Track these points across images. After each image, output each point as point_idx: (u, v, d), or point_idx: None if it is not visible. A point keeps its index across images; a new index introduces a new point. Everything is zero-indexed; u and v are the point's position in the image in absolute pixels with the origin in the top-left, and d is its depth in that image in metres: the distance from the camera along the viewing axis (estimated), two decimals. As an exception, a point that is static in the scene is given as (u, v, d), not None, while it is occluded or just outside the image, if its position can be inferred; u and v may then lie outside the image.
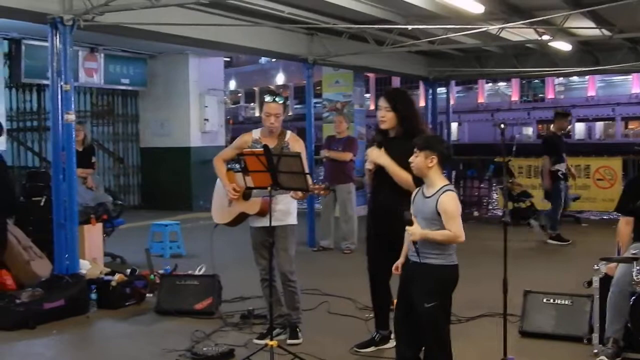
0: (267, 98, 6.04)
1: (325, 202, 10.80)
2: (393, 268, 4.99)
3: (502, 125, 5.06)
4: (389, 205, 5.50)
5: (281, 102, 6.00)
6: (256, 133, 6.18)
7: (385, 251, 5.51)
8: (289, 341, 6.08)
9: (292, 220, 6.11)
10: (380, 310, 5.90)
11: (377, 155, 5.53)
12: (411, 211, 4.80)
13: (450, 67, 15.92)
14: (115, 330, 6.76)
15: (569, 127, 12.14)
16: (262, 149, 5.34)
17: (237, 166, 6.09)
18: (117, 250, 9.86)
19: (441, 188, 4.70)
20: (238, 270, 8.50)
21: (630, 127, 55.79)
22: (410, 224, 4.63)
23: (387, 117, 5.53)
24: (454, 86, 17.95)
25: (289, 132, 6.13)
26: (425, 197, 4.76)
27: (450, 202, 4.64)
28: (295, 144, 6.01)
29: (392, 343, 5.73)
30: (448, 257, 4.68)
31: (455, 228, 4.59)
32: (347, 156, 10.47)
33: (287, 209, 6.01)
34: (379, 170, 5.51)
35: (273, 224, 5.66)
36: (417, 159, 4.77)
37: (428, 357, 4.81)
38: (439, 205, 4.63)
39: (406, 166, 5.12)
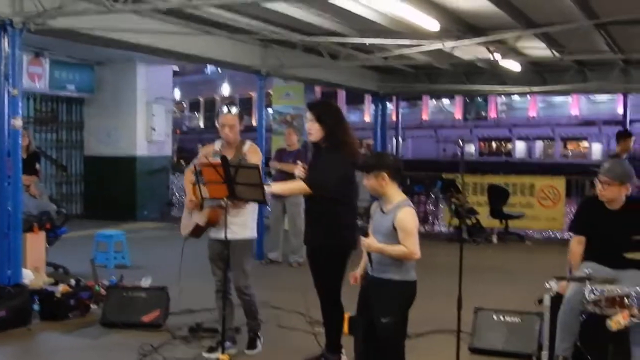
0: (223, 109, 6.01)
1: (274, 215, 10.73)
2: (351, 279, 4.94)
3: (461, 142, 5.08)
4: (317, 216, 5.49)
5: (236, 113, 5.97)
6: (217, 144, 6.12)
7: (322, 263, 5.51)
8: (246, 351, 6.10)
9: (249, 234, 6.05)
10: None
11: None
12: (370, 225, 4.78)
13: (401, 83, 16.04)
14: (60, 343, 6.56)
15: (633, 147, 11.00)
16: (219, 160, 5.28)
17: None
18: (59, 260, 9.61)
19: (399, 204, 4.68)
20: (187, 282, 8.35)
21: (568, 147, 57.09)
22: (366, 235, 4.61)
23: (313, 129, 5.49)
24: (399, 102, 18.20)
25: (248, 143, 6.07)
26: (383, 212, 4.74)
27: (406, 219, 4.62)
28: (252, 155, 5.94)
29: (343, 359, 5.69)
30: (407, 273, 4.66)
31: (410, 245, 4.57)
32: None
33: (243, 222, 5.94)
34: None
35: (230, 237, 5.67)
36: (370, 182, 4.74)
37: None
38: (395, 222, 4.60)
39: (325, 174, 5.28)
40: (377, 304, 4.69)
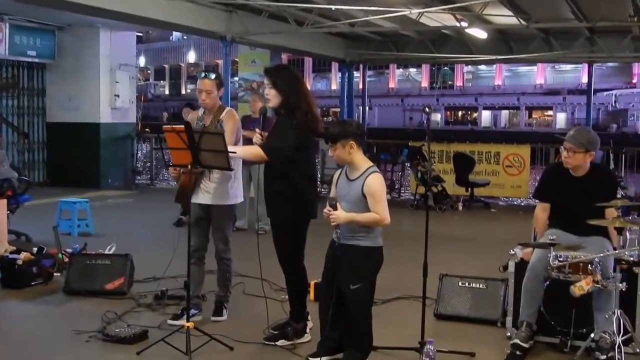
0: (201, 75, 6.03)
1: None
2: (325, 211, 4.79)
3: (427, 109, 5.05)
4: (274, 188, 5.41)
5: (213, 78, 5.92)
6: (200, 111, 6.11)
7: (281, 235, 5.47)
8: (212, 318, 6.08)
9: (231, 200, 6.02)
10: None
11: None
12: (332, 194, 4.75)
13: (367, 50, 15.99)
14: (22, 311, 6.48)
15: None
16: (182, 126, 5.20)
17: None
18: (21, 228, 9.49)
19: (366, 170, 4.66)
20: (152, 250, 8.31)
21: (533, 116, 57.58)
22: (335, 207, 4.58)
23: (270, 95, 5.37)
24: (366, 70, 18.28)
25: (227, 109, 6.04)
26: (349, 180, 4.71)
27: (375, 185, 4.61)
28: (228, 120, 5.91)
29: (307, 337, 5.64)
30: (374, 239, 4.67)
31: (381, 211, 4.57)
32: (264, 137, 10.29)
33: (224, 188, 5.91)
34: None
35: (210, 202, 5.85)
36: (337, 152, 4.70)
37: (351, 337, 4.80)
38: (365, 188, 4.58)
39: (279, 141, 5.18)
40: (346, 271, 4.68)
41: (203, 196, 5.82)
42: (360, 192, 4.61)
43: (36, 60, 15.81)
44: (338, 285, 4.70)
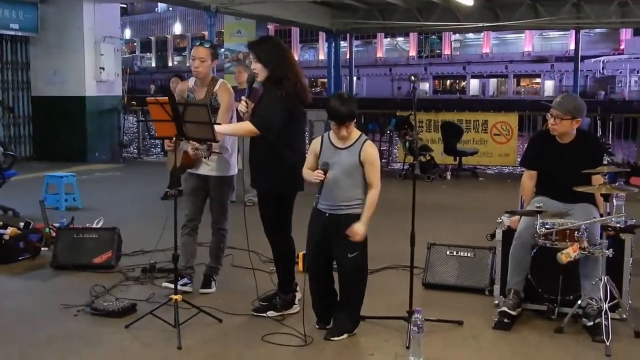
0: (196, 42, 5.99)
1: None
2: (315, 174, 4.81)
3: (413, 78, 5.02)
4: (261, 160, 5.34)
5: (208, 46, 5.86)
6: (191, 81, 6.03)
7: (268, 208, 5.42)
8: (201, 290, 6.06)
9: (230, 171, 6.02)
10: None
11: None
12: (311, 161, 4.79)
13: (353, 19, 15.90)
14: (9, 286, 6.45)
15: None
16: (166, 98, 5.14)
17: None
18: (8, 203, 9.45)
19: (359, 138, 4.73)
20: (140, 223, 8.27)
21: (521, 84, 57.62)
22: (326, 172, 4.62)
23: (257, 69, 5.26)
24: (353, 40, 18.23)
25: (220, 81, 5.97)
26: (338, 148, 4.72)
27: (374, 153, 4.75)
28: (222, 94, 5.84)
29: (296, 308, 5.63)
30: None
31: (376, 180, 4.71)
32: (250, 107, 10.23)
33: (223, 159, 5.90)
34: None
35: (209, 173, 5.87)
36: (350, 128, 4.71)
37: (345, 305, 4.90)
38: (363, 156, 4.64)
39: (268, 114, 5.11)
40: (343, 240, 4.70)
41: (203, 167, 5.85)
42: (357, 160, 4.65)
43: (19, 33, 15.69)
44: (330, 256, 4.74)
